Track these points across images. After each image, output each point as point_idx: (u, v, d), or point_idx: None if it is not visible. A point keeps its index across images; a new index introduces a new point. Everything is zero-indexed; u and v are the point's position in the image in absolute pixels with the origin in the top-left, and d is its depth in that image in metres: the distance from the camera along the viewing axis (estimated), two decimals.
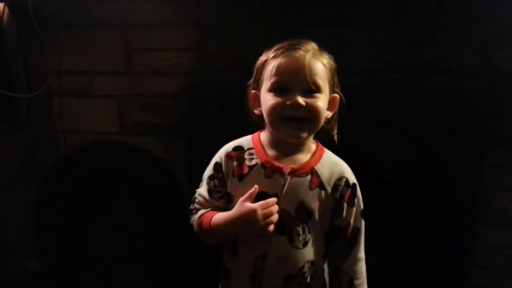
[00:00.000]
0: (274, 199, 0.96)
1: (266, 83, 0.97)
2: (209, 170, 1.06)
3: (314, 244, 1.01)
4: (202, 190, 1.06)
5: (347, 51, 1.59)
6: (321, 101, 0.96)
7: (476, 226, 1.65)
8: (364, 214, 1.05)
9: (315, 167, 1.00)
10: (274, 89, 0.95)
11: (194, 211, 1.07)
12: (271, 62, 0.97)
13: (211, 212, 1.02)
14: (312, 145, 1.04)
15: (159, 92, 1.73)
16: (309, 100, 0.94)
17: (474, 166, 1.58)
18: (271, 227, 0.96)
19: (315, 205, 0.99)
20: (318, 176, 0.99)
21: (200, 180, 1.09)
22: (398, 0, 1.53)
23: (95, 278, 1.89)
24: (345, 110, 1.05)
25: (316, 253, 1.02)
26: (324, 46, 1.58)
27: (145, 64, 1.71)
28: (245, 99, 1.06)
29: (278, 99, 0.94)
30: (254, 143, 1.03)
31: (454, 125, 1.56)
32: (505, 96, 1.54)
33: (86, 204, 1.87)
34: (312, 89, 0.95)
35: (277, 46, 0.99)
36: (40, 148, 1.88)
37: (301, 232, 0.99)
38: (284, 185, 0.97)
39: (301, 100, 0.93)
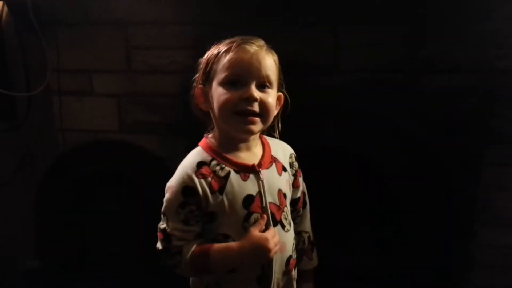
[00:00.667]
0: (273, 231, 0.98)
1: (219, 77, 0.96)
2: (175, 200, 0.97)
3: (292, 221, 1.09)
4: (174, 224, 0.97)
5: (344, 51, 1.59)
6: (272, 97, 0.98)
7: (475, 225, 1.65)
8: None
9: (272, 154, 1.05)
10: (228, 82, 0.95)
11: (173, 250, 0.98)
12: (224, 56, 0.97)
13: (202, 246, 0.97)
14: (257, 137, 1.06)
15: (158, 90, 1.72)
16: (262, 95, 0.95)
17: (472, 165, 1.58)
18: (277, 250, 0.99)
19: (286, 187, 1.05)
20: (278, 161, 1.05)
21: None
22: (395, 0, 1.53)
23: (93, 277, 1.89)
24: (289, 110, 1.07)
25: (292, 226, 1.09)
26: (321, 46, 1.60)
27: (144, 62, 1.71)
28: (189, 95, 1.06)
29: (231, 93, 0.94)
30: (212, 153, 1.00)
31: (452, 124, 1.56)
32: (503, 95, 1.54)
33: (85, 202, 1.87)
34: (265, 84, 0.96)
35: (228, 41, 1.00)
36: (39, 146, 1.88)
37: (286, 216, 1.04)
38: (262, 181, 0.99)
39: (256, 93, 0.94)
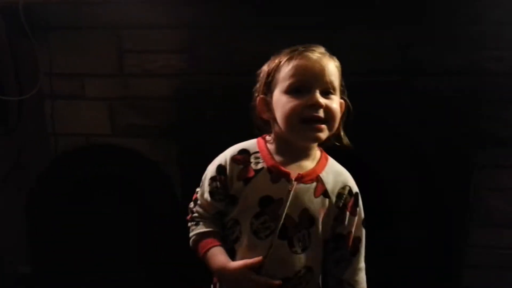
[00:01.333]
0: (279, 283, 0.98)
1: (282, 85, 0.96)
2: (210, 172, 1.05)
3: (313, 250, 1.01)
4: (204, 192, 1.05)
5: (338, 54, 1.60)
6: (336, 103, 0.97)
7: (468, 225, 1.66)
8: (364, 223, 1.06)
9: (321, 175, 1.00)
10: (292, 90, 0.94)
11: (196, 216, 1.07)
12: (286, 64, 0.96)
13: (208, 241, 1.03)
14: (317, 152, 1.03)
15: (150, 94, 1.72)
16: (327, 101, 0.94)
17: (464, 166, 1.60)
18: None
19: (318, 213, 0.99)
20: (323, 183, 0.99)
21: (192, 181, 1.09)
22: (388, 3, 1.54)
23: (86, 282, 1.89)
24: (352, 116, 1.05)
25: (314, 259, 1.02)
26: None
27: (136, 66, 1.71)
28: (251, 105, 1.05)
29: (297, 100, 0.93)
30: (260, 147, 1.03)
31: (444, 126, 1.57)
32: (494, 97, 1.56)
33: (78, 207, 1.86)
34: (329, 91, 0.95)
35: (289, 49, 0.99)
36: (31, 150, 1.87)
37: (301, 238, 0.99)
38: (290, 191, 0.97)
39: (321, 99, 0.92)
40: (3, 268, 1.92)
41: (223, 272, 0.99)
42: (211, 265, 1.01)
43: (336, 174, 1.02)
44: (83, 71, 1.75)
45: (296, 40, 1.58)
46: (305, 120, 0.93)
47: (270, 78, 1.00)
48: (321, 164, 1.02)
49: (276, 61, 1.00)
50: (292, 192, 0.97)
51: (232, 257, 1.02)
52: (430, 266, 1.65)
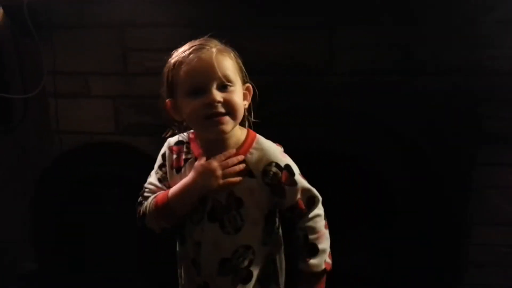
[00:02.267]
0: (232, 151, 1.02)
1: (181, 89, 0.99)
2: (158, 161, 1.13)
3: (248, 229, 1.05)
4: (151, 180, 1.12)
5: (338, 53, 1.60)
6: (236, 93, 1.00)
7: (469, 224, 1.67)
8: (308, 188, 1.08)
9: (245, 157, 1.03)
10: (190, 92, 0.98)
11: (143, 200, 1.10)
12: (180, 68, 0.99)
13: (165, 191, 1.07)
14: (239, 136, 1.06)
15: (154, 92, 1.72)
16: (226, 95, 0.97)
17: (465, 164, 1.60)
18: (232, 179, 1.00)
19: (244, 193, 1.03)
20: (246, 165, 1.03)
21: None
22: (388, 2, 1.54)
23: (90, 279, 1.90)
24: (257, 97, 1.08)
25: (252, 237, 1.06)
26: (317, 47, 1.61)
27: (140, 64, 1.71)
28: (161, 109, 1.08)
29: (196, 102, 0.96)
30: (191, 138, 1.09)
31: (445, 125, 1.58)
32: (494, 95, 1.56)
33: (81, 204, 1.87)
34: (225, 84, 0.98)
35: (181, 50, 1.02)
36: (35, 148, 1.88)
37: (232, 220, 1.03)
38: None
39: (218, 96, 0.96)
40: (8, 265, 1.93)
41: (199, 171, 1.01)
42: (182, 192, 1.02)
43: (261, 153, 1.04)
44: (87, 70, 1.76)
45: (297, 38, 1.60)
46: (207, 117, 0.97)
47: (169, 82, 1.03)
48: (244, 147, 1.04)
49: (172, 62, 1.02)
50: None
51: (182, 242, 1.10)
52: (432, 264, 1.66)
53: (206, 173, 1.00)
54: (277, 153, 1.06)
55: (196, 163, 1.03)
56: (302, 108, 1.59)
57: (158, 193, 1.08)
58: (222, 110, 0.96)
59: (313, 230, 1.06)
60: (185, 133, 1.11)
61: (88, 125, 1.81)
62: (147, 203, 1.07)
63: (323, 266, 1.05)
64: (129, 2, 1.65)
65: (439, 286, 1.69)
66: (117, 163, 1.81)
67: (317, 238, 1.06)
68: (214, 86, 0.96)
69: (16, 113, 1.85)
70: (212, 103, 0.95)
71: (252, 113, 1.09)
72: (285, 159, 1.06)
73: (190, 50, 0.99)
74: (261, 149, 1.05)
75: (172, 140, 1.12)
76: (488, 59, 1.54)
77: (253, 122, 1.10)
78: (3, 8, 1.74)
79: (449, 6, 1.53)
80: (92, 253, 1.92)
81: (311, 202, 1.06)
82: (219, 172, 0.99)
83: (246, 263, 1.06)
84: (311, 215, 1.06)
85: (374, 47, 1.58)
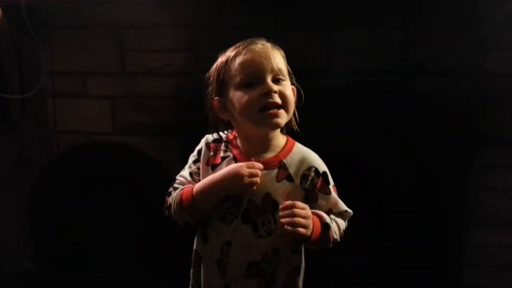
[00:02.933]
0: (260, 165, 0.99)
1: (234, 82, 0.98)
2: (192, 156, 1.11)
3: (280, 233, 1.03)
4: (184, 173, 1.10)
5: (339, 53, 1.61)
6: (289, 88, 1.00)
7: (466, 225, 1.67)
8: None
9: (284, 160, 1.03)
10: (244, 85, 0.97)
11: (172, 191, 1.08)
12: (233, 61, 0.98)
13: (192, 185, 1.05)
14: (281, 140, 1.06)
15: (152, 92, 1.74)
16: (280, 87, 0.97)
17: (462, 166, 1.61)
18: (250, 185, 0.98)
19: (280, 196, 1.01)
20: (285, 168, 1.02)
21: None
22: (388, 3, 1.55)
23: (89, 278, 1.90)
24: (302, 101, 1.07)
25: (281, 241, 1.04)
26: (316, 49, 1.62)
27: (138, 64, 1.72)
28: (206, 109, 1.06)
29: (251, 93, 0.96)
30: (231, 137, 1.07)
31: (443, 126, 1.58)
32: (493, 97, 1.57)
33: (80, 204, 1.87)
34: (279, 78, 0.98)
35: (233, 47, 1.01)
36: (33, 148, 1.88)
37: (266, 222, 1.02)
38: None
39: (274, 86, 0.95)
40: (6, 265, 1.93)
41: (228, 173, 0.99)
42: (207, 188, 1.00)
43: (302, 158, 1.04)
44: (85, 70, 1.76)
45: (297, 39, 1.61)
46: (262, 109, 0.96)
47: (220, 79, 1.02)
48: (285, 151, 1.04)
49: (223, 60, 1.02)
50: None
51: (205, 241, 1.07)
52: (430, 266, 1.66)
53: (234, 176, 0.97)
54: (317, 159, 1.06)
55: (230, 165, 1.00)
56: (301, 109, 1.59)
57: (185, 186, 1.07)
58: (278, 100, 0.96)
59: (337, 220, 1.06)
60: (225, 132, 1.09)
61: (86, 125, 1.81)
62: (174, 195, 1.06)
63: (329, 224, 1.01)
64: (127, 2, 1.65)
65: (437, 286, 1.70)
66: (115, 163, 1.81)
67: (335, 222, 1.05)
68: (269, 78, 0.96)
69: (14, 112, 1.85)
70: (269, 92, 0.94)
71: (297, 118, 1.07)
72: (324, 166, 1.06)
73: (243, 45, 0.99)
74: (301, 154, 1.05)
75: (210, 137, 1.10)
76: (489, 61, 1.55)
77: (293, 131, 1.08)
78: (2, 8, 1.74)
79: (450, 8, 1.53)
80: (91, 252, 1.92)
81: (342, 217, 1.08)
82: (247, 180, 0.96)
83: (273, 267, 1.05)
84: (339, 219, 1.07)
85: (374, 48, 1.59)
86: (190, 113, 1.69)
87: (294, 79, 1.06)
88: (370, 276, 1.72)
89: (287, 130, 1.07)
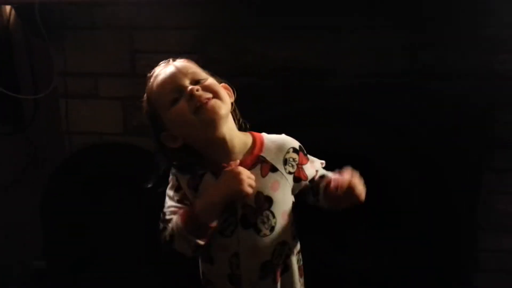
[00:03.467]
0: (237, 162, 0.99)
1: (164, 108, 0.98)
2: (170, 187, 1.06)
3: (281, 225, 1.04)
4: (172, 203, 1.04)
5: (346, 55, 1.60)
6: (212, 81, 0.99)
7: (477, 229, 1.65)
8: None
9: (262, 154, 1.02)
10: (171, 103, 0.96)
11: (166, 225, 1.02)
12: (153, 91, 1.01)
13: (187, 207, 1.01)
14: (246, 138, 1.05)
15: None
16: (202, 84, 0.97)
17: (474, 169, 1.59)
18: (250, 189, 0.97)
19: (271, 190, 1.01)
20: (266, 161, 1.02)
21: None
22: (397, 5, 1.53)
23: (99, 277, 1.91)
24: (237, 96, 1.06)
25: (284, 232, 1.05)
26: (323, 50, 1.61)
27: (149, 66, 1.71)
28: (156, 150, 1.07)
29: (179, 104, 0.95)
30: (200, 158, 1.04)
31: (454, 129, 1.56)
32: (504, 100, 1.55)
33: (90, 204, 1.89)
34: (197, 79, 0.98)
35: (150, 81, 1.03)
36: (45, 149, 1.90)
37: (265, 220, 1.01)
38: None
39: (194, 87, 0.95)
40: (18, 264, 1.95)
41: (226, 177, 0.97)
42: (208, 201, 0.97)
43: (277, 145, 1.05)
44: (97, 71, 1.77)
45: (303, 41, 1.61)
46: (195, 111, 0.94)
47: (152, 114, 1.03)
48: (258, 145, 1.04)
49: (147, 97, 1.04)
50: None
51: (211, 262, 1.06)
52: (440, 269, 1.65)
53: (232, 176, 0.96)
54: (289, 139, 1.08)
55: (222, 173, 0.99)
56: (307, 111, 1.59)
57: (179, 211, 1.01)
58: (205, 94, 0.95)
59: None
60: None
61: (97, 126, 1.82)
62: (172, 225, 1.00)
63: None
64: (138, 4, 1.66)
65: None
66: (126, 163, 1.82)
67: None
68: (188, 83, 0.96)
69: (26, 113, 1.87)
70: (192, 92, 0.94)
71: (240, 115, 1.07)
72: (296, 142, 1.08)
73: (154, 75, 1.02)
74: (274, 142, 1.05)
75: (173, 170, 1.06)
76: (499, 63, 1.53)
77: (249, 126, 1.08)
78: (15, 9, 1.75)
79: (459, 9, 1.51)
80: (101, 251, 1.94)
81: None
82: (244, 175, 0.96)
83: (284, 257, 1.06)
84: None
85: (382, 50, 1.58)
86: None
87: (220, 79, 1.04)
88: (378, 279, 1.70)
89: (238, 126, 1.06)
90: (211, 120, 0.96)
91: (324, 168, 1.13)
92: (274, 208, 1.02)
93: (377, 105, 1.58)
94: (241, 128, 1.07)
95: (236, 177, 0.96)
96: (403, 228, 1.66)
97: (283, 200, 1.04)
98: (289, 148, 1.05)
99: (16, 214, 1.94)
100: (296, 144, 1.07)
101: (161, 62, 1.04)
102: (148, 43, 1.70)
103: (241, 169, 0.97)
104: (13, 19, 1.78)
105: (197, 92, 0.94)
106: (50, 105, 1.83)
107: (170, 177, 1.06)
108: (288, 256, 1.07)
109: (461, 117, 1.55)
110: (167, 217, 1.02)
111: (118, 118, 1.80)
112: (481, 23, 1.51)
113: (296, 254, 1.11)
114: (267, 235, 1.02)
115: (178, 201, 1.03)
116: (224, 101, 0.98)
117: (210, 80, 1.00)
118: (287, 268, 1.07)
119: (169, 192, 1.06)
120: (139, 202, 1.81)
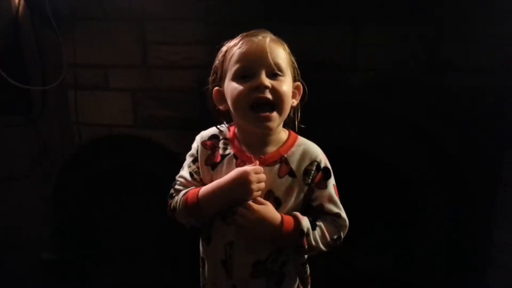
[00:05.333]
0: (261, 168, 0.96)
1: (230, 73, 0.97)
2: (190, 155, 1.07)
3: None
4: (183, 173, 1.06)
5: (363, 49, 1.58)
6: (286, 84, 0.96)
7: (494, 225, 1.64)
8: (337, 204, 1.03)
9: (285, 155, 1.00)
10: (238, 76, 0.95)
11: (174, 193, 1.05)
12: (231, 52, 0.97)
13: (197, 188, 1.01)
14: (282, 135, 1.03)
15: (173, 85, 1.73)
16: (274, 83, 0.94)
17: (491, 165, 1.57)
18: (258, 193, 0.95)
19: (283, 193, 0.99)
20: (287, 163, 1.00)
21: None
22: (415, 0, 1.51)
23: (108, 269, 1.92)
24: (306, 98, 1.04)
25: None
26: (342, 45, 1.59)
27: (159, 58, 1.71)
28: (207, 98, 1.05)
29: (243, 85, 0.94)
30: (230, 133, 1.04)
31: (472, 124, 1.55)
32: None
33: (100, 196, 1.89)
34: (275, 72, 0.95)
35: (235, 38, 1.00)
36: (54, 140, 1.89)
37: None
38: None
39: (266, 81, 0.93)
40: (28, 255, 1.96)
41: (235, 179, 0.95)
42: (213, 193, 0.97)
43: (304, 153, 1.01)
44: (107, 62, 1.76)
45: (318, 33, 1.59)
46: (253, 106, 0.93)
47: (219, 69, 1.01)
48: (286, 145, 1.01)
49: (223, 50, 1.00)
50: None
51: (208, 242, 1.05)
52: (456, 265, 1.64)
53: (243, 183, 0.94)
54: (320, 153, 1.03)
55: (237, 169, 0.97)
56: (325, 105, 1.57)
57: (189, 189, 1.02)
58: (269, 96, 0.93)
59: (321, 221, 1.00)
60: (223, 126, 1.06)
61: (107, 118, 1.82)
62: (177, 198, 1.02)
63: (305, 231, 0.96)
64: None
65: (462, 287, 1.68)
66: (135, 155, 1.82)
67: (321, 227, 0.99)
68: (264, 72, 0.93)
69: (36, 104, 1.86)
70: (260, 86, 0.92)
71: (299, 115, 1.04)
72: (326, 161, 1.03)
73: (243, 36, 0.98)
74: (303, 148, 1.01)
75: (205, 134, 1.07)
76: None
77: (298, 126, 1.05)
78: (25, 0, 1.74)
79: (479, 3, 1.49)
80: (111, 243, 1.94)
81: (334, 223, 1.01)
82: (255, 186, 0.94)
83: (279, 264, 1.02)
84: (329, 224, 1.01)
85: (400, 44, 1.55)
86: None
87: (299, 75, 1.03)
88: (392, 277, 1.70)
89: (290, 125, 1.05)
90: (260, 129, 0.96)
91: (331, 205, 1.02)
92: (281, 211, 0.99)
93: (395, 99, 1.57)
94: (293, 127, 1.05)
95: (246, 177, 0.94)
96: (419, 224, 1.65)
97: (292, 207, 1.00)
98: (314, 162, 1.01)
99: (26, 205, 1.94)
100: (323, 163, 1.02)
101: (256, 30, 1.00)
102: (161, 35, 1.69)
103: (253, 176, 0.94)
104: (22, 9, 1.77)
105: (264, 89, 0.93)
106: (59, 96, 1.83)
107: (194, 144, 1.07)
108: (285, 263, 1.03)
109: (480, 111, 1.53)
110: (177, 187, 1.05)
111: (128, 110, 1.79)
112: (500, 18, 1.49)
113: (300, 265, 1.07)
114: None
115: (190, 174, 1.05)
116: (283, 112, 0.96)
117: (285, 81, 0.96)
118: (283, 277, 1.03)
119: (188, 158, 1.07)
120: (149, 194, 1.81)
